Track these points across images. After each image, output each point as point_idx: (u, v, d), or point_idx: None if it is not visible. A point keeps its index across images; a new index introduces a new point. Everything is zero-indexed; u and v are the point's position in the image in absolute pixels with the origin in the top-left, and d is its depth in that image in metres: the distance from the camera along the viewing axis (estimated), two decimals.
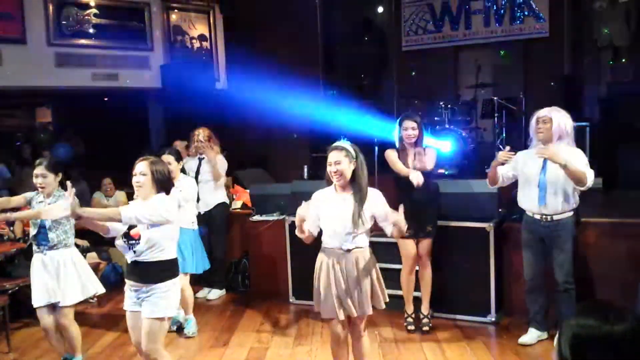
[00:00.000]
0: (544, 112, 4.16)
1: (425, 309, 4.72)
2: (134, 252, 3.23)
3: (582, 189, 4.03)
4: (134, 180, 3.28)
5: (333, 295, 3.37)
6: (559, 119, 4.09)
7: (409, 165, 4.50)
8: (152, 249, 3.21)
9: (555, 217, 4.14)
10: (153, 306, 3.25)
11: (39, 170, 3.95)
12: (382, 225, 3.46)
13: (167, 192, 3.34)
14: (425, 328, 4.66)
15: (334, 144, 3.45)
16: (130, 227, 3.27)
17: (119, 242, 3.30)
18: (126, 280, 3.37)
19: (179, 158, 5.02)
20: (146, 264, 3.23)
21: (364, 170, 3.41)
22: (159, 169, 3.30)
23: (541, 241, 4.24)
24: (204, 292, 5.90)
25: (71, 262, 4.02)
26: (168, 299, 3.28)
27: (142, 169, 3.26)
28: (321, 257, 3.47)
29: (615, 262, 4.54)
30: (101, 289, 4.25)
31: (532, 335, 4.38)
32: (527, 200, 4.25)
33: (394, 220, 3.34)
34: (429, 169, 4.49)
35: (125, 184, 7.54)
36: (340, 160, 3.34)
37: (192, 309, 4.93)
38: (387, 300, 3.52)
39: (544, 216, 4.17)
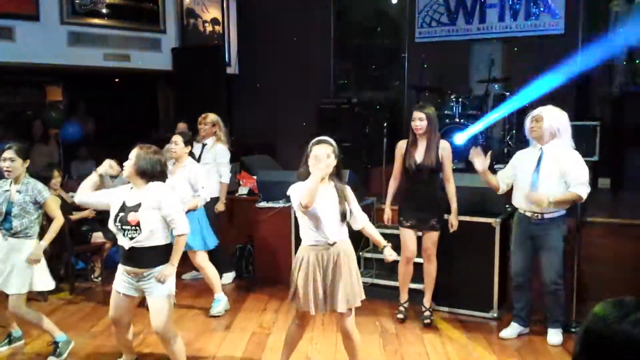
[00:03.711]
0: (536, 111, 4.17)
1: (427, 302, 4.73)
2: (130, 238, 3.27)
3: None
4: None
5: (311, 290, 3.30)
6: (550, 117, 4.07)
7: (415, 159, 4.47)
8: (150, 236, 3.29)
9: (546, 216, 4.14)
10: (156, 287, 3.35)
11: (7, 153, 3.85)
12: (350, 220, 3.44)
13: (162, 181, 3.42)
14: (427, 321, 4.67)
15: (320, 138, 3.43)
16: (126, 211, 3.29)
17: (112, 226, 3.34)
18: (121, 265, 3.40)
19: (189, 141, 4.99)
20: (142, 250, 3.29)
21: (342, 166, 3.47)
22: (145, 157, 3.32)
23: (531, 239, 4.24)
24: None
25: (27, 253, 3.90)
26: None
27: (130, 154, 3.36)
28: (302, 253, 3.38)
29: (620, 262, 4.54)
30: (50, 287, 4.09)
31: (513, 329, 4.43)
32: (519, 198, 4.26)
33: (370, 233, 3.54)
34: (433, 165, 4.43)
35: None
36: (330, 155, 3.34)
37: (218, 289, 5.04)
38: (363, 297, 3.44)
39: (534, 214, 4.17)
